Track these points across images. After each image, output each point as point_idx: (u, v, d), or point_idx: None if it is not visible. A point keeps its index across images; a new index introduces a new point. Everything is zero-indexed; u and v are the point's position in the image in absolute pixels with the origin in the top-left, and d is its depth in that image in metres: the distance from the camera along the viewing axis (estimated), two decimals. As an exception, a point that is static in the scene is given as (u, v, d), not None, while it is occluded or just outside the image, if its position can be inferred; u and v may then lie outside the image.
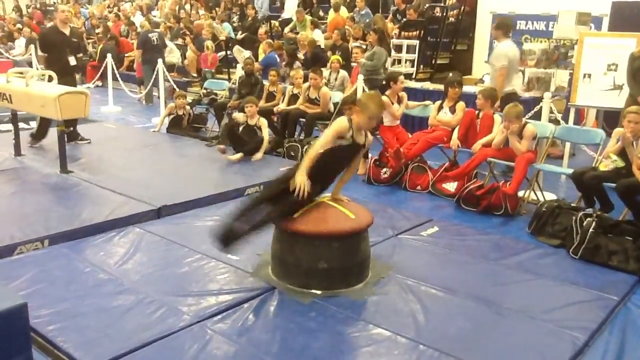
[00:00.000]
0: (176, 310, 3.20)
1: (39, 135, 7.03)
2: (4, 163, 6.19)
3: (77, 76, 13.46)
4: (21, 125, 6.95)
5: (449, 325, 3.16)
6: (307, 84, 7.44)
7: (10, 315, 2.67)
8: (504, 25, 6.55)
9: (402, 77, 6.59)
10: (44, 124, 7.00)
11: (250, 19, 12.92)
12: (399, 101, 6.45)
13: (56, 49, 6.98)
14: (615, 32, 7.28)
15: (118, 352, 2.80)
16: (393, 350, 2.92)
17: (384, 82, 6.82)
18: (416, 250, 4.22)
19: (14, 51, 16.07)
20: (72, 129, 7.11)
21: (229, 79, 10.15)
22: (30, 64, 13.44)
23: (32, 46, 14.03)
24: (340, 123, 3.54)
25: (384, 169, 6.08)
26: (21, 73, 6.33)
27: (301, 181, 3.39)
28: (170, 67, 11.34)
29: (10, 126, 6.82)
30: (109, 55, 10.74)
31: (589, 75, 6.29)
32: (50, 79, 6.29)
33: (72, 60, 6.98)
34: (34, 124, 7.32)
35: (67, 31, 7.03)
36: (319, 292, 3.47)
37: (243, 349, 2.88)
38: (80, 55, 8.29)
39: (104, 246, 4.12)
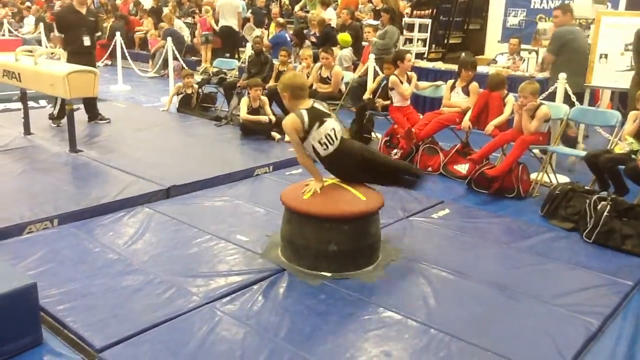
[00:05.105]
0: (185, 291, 3.19)
1: (61, 115, 6.99)
2: (13, 142, 6.18)
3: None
4: (30, 104, 6.92)
5: (460, 309, 3.12)
6: (319, 64, 7.35)
7: (20, 295, 2.68)
8: None
9: (409, 55, 6.47)
10: (63, 103, 6.96)
11: (260, -4, 12.78)
12: (408, 80, 6.35)
13: (72, 29, 6.83)
14: (634, 11, 7.10)
15: (127, 332, 2.79)
16: (403, 333, 2.89)
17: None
18: (427, 233, 4.18)
19: (23, 29, 16.03)
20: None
21: (239, 58, 10.06)
22: (39, 42, 13.42)
23: (41, 24, 13.99)
24: (291, 124, 3.41)
25: (395, 150, 6.02)
26: (30, 51, 6.27)
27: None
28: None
29: (19, 104, 6.80)
30: (117, 34, 10.68)
31: (605, 56, 6.14)
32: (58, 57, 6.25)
33: (87, 41, 6.82)
34: (43, 103, 7.29)
35: (83, 10, 6.88)
36: (328, 274, 3.44)
37: (252, 331, 2.87)
38: (99, 34, 8.22)
39: (113, 226, 4.11)
